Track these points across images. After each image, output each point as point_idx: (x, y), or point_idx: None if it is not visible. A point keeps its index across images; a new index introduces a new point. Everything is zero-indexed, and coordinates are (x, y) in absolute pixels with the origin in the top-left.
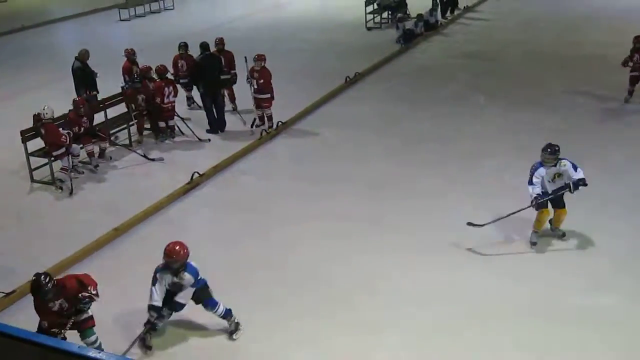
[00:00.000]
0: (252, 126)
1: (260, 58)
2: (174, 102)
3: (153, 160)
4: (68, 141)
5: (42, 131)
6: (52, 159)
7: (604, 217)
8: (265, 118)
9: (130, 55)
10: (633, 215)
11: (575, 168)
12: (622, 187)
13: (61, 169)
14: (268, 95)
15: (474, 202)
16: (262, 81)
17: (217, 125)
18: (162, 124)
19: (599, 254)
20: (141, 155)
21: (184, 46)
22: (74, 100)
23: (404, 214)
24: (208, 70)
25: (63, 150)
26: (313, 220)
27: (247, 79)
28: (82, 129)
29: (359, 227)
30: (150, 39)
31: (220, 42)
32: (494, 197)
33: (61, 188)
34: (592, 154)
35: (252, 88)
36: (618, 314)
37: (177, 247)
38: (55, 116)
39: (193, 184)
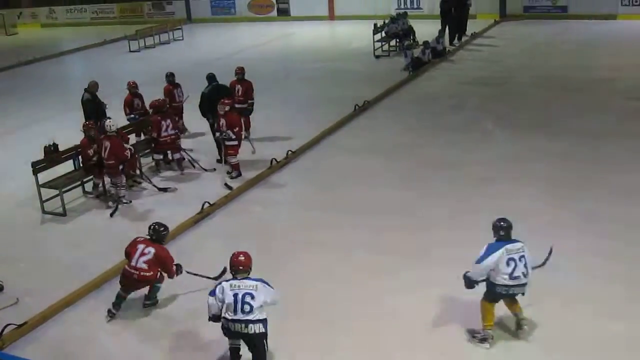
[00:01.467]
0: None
1: (223, 103)
2: (172, 135)
3: (165, 190)
4: (130, 156)
5: (106, 144)
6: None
7: (617, 242)
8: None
9: (133, 87)
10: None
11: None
12: (627, 210)
13: (112, 184)
14: (235, 143)
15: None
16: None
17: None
18: (158, 156)
19: (612, 280)
20: (153, 186)
21: (170, 75)
22: (84, 124)
23: (418, 244)
24: (216, 101)
25: (121, 167)
26: (325, 250)
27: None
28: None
29: (370, 258)
30: (159, 70)
31: (240, 71)
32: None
33: (120, 203)
34: (598, 179)
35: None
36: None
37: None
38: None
39: (204, 214)
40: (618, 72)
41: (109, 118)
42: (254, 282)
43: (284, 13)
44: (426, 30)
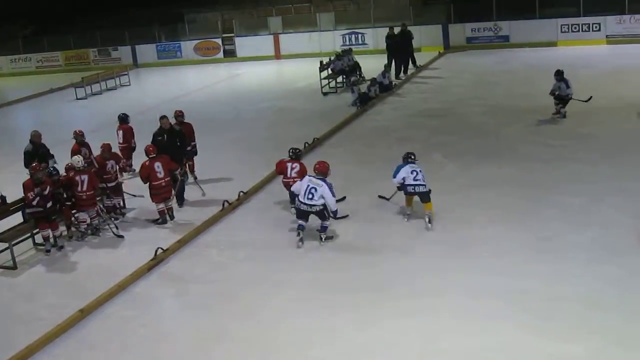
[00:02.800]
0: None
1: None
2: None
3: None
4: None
5: (83, 177)
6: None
7: (566, 264)
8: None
9: (79, 136)
10: (593, 262)
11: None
12: (584, 231)
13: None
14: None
15: (438, 262)
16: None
17: (178, 199)
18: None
19: (565, 299)
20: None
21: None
22: (32, 166)
23: (373, 276)
24: (167, 144)
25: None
26: (281, 289)
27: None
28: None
29: (324, 296)
30: (106, 116)
31: (179, 114)
32: (462, 253)
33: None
34: (553, 201)
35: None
36: None
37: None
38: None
39: (157, 260)
40: None
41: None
42: (321, 182)
43: (230, 54)
44: (372, 65)
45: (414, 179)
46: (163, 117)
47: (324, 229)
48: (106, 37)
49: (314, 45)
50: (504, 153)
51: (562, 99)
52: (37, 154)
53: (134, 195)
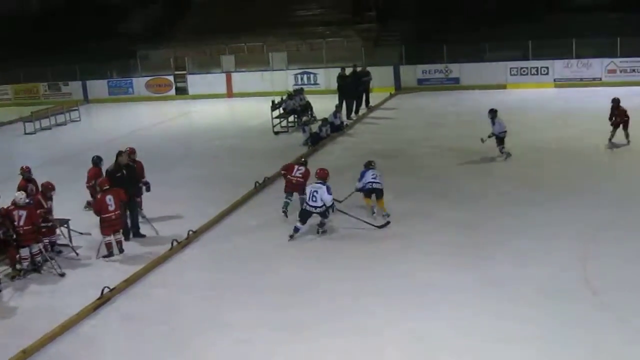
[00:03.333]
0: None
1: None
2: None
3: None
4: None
5: (21, 213)
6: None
7: (513, 306)
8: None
9: (26, 172)
10: (541, 304)
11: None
12: (532, 273)
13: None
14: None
15: (387, 301)
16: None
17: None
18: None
19: (513, 341)
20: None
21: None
22: None
23: (319, 317)
24: (126, 180)
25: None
26: (231, 330)
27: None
28: None
29: (274, 335)
30: (54, 152)
31: (131, 152)
32: (411, 293)
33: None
34: (500, 243)
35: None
36: None
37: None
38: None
39: (104, 299)
40: (512, 139)
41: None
42: (321, 185)
43: (182, 92)
44: (323, 105)
45: (373, 179)
46: (121, 153)
47: (322, 225)
48: (57, 71)
49: (266, 84)
50: (453, 195)
51: (497, 138)
52: None
53: (81, 233)
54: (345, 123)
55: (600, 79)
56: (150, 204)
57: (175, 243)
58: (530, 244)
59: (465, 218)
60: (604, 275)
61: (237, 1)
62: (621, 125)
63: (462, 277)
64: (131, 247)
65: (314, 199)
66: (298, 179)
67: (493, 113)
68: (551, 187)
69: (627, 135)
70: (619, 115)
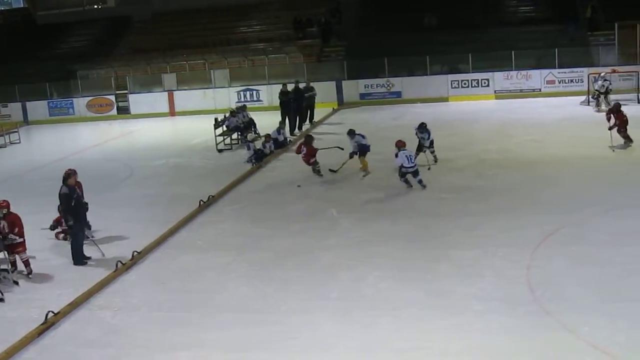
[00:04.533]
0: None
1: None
2: None
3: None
4: None
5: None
6: None
7: (460, 317)
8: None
9: None
10: (487, 314)
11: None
12: (477, 283)
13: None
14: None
15: (338, 316)
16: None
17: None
18: None
19: (461, 353)
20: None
21: None
22: None
23: (273, 335)
24: (77, 201)
25: None
26: (180, 351)
27: None
28: None
29: (226, 356)
30: None
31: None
32: (358, 308)
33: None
34: (446, 255)
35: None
36: None
37: None
38: None
39: (48, 324)
40: (455, 151)
41: None
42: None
43: (124, 111)
44: (267, 121)
45: (410, 161)
46: (70, 175)
47: (420, 180)
48: None
49: (208, 102)
50: (396, 208)
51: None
52: None
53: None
54: (288, 139)
55: (540, 89)
56: (94, 225)
57: (119, 264)
58: (474, 255)
59: (409, 231)
60: (547, 283)
61: (177, 19)
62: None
63: (408, 291)
64: (75, 269)
65: (410, 160)
66: (305, 156)
67: (421, 127)
68: (495, 197)
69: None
70: (618, 119)
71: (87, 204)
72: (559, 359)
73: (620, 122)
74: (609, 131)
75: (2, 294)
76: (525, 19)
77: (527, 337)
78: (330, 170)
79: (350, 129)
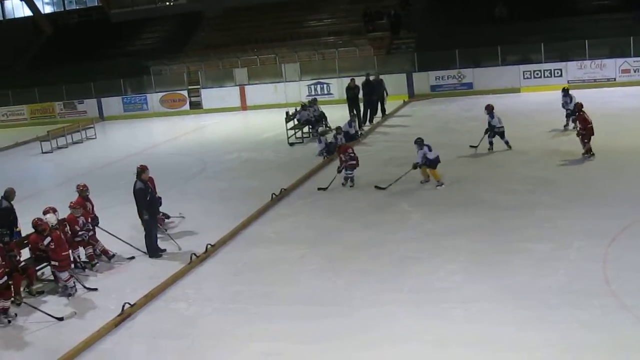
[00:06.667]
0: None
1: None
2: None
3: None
4: None
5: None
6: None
7: (535, 310)
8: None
9: (83, 190)
10: (562, 307)
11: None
12: (552, 277)
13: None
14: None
15: (410, 309)
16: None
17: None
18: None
19: (535, 346)
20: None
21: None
22: None
23: (345, 328)
24: (151, 195)
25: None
26: (253, 343)
27: None
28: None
29: (295, 348)
30: (71, 170)
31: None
32: (429, 302)
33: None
34: (520, 248)
35: None
36: None
37: None
38: None
39: (125, 315)
40: (527, 142)
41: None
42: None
43: (196, 106)
44: (338, 114)
45: (431, 153)
46: (144, 170)
47: (507, 141)
48: (72, 90)
49: (279, 96)
50: (468, 200)
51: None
52: (12, 210)
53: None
54: (359, 132)
55: (615, 79)
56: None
57: (194, 257)
58: (549, 248)
59: (481, 224)
60: (624, 277)
61: (248, 14)
62: (581, 136)
63: (481, 284)
64: (150, 262)
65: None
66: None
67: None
68: (568, 190)
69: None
70: (580, 123)
71: (160, 198)
72: (636, 353)
73: None
74: None
75: (87, 289)
76: (598, 7)
77: (603, 331)
78: (319, 189)
79: (419, 139)
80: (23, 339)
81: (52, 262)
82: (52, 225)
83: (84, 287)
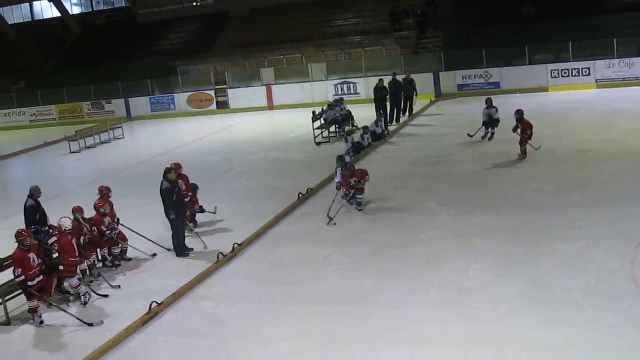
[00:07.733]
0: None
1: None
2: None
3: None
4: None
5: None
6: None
7: (563, 311)
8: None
9: (105, 193)
10: (590, 308)
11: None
12: (580, 277)
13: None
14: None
15: (437, 310)
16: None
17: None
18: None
19: (562, 347)
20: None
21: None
22: (17, 233)
23: (371, 328)
24: (178, 195)
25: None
26: (279, 342)
27: None
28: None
29: (322, 348)
30: (100, 170)
31: (177, 167)
32: (457, 302)
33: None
34: (548, 247)
35: None
36: None
37: None
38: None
39: (152, 314)
40: (555, 142)
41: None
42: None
43: (223, 106)
44: (364, 114)
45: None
46: (170, 170)
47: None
48: (99, 90)
49: (306, 95)
50: (497, 200)
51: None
52: (38, 209)
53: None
54: (386, 132)
55: None
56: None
57: (220, 256)
58: (577, 248)
59: (509, 223)
60: None
61: (274, 14)
62: (524, 140)
63: (509, 284)
64: (178, 260)
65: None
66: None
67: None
68: (596, 189)
69: (523, 151)
70: (528, 128)
71: (191, 196)
72: None
73: None
74: None
75: (99, 295)
76: (627, 5)
77: (632, 332)
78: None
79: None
80: (51, 337)
81: (59, 267)
82: (65, 229)
83: (96, 293)
